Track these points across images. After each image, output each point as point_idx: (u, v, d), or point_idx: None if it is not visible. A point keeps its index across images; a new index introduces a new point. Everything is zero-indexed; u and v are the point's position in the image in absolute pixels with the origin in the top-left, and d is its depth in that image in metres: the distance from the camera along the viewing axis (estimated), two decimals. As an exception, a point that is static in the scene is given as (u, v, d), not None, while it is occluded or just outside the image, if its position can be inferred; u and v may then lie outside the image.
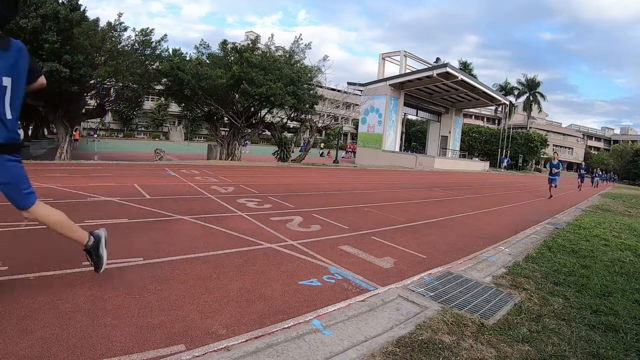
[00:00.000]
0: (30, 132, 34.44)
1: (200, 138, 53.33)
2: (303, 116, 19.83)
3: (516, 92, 52.38)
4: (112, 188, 6.53)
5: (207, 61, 17.23)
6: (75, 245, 2.56)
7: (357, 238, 4.46)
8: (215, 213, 5.15)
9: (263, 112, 18.95)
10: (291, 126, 23.01)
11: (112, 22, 14.03)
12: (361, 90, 28.80)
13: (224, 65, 16.79)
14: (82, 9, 13.90)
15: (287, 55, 17.81)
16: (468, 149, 48.05)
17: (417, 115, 34.97)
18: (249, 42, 17.78)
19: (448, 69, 24.41)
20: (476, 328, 2.40)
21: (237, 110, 18.01)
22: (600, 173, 25.19)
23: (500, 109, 50.23)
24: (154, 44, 15.02)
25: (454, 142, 35.79)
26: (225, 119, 19.58)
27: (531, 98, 52.01)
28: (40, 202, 2.36)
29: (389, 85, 27.47)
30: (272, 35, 17.99)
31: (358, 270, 3.32)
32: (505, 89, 50.98)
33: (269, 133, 21.47)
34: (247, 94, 15.67)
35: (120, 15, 14.07)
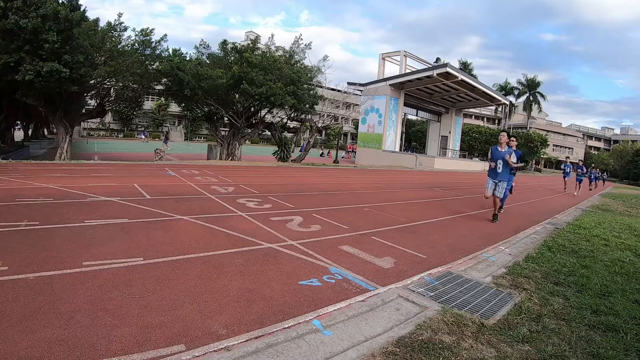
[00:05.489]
0: (30, 132, 34.49)
1: (200, 138, 53.32)
2: (303, 116, 19.83)
3: (516, 92, 52.36)
4: (112, 188, 6.53)
5: (207, 61, 17.24)
6: (75, 245, 2.55)
7: (357, 238, 4.46)
8: (215, 213, 5.15)
9: (263, 112, 18.95)
10: (291, 126, 23.02)
11: (112, 22, 14.05)
12: (361, 90, 28.80)
13: (224, 65, 16.80)
14: (82, 9, 13.92)
15: (287, 56, 17.81)
16: (468, 149, 47.99)
17: (417, 115, 34.96)
18: (249, 42, 17.80)
19: (448, 69, 24.40)
20: (476, 328, 2.40)
21: (237, 110, 18.02)
22: (568, 169, 15.70)
23: (500, 109, 50.27)
24: (154, 44, 15.03)
25: (454, 142, 35.77)
26: (225, 119, 19.60)
27: (531, 98, 51.99)
28: None
29: (389, 85, 27.46)
30: (272, 35, 18.02)
31: (358, 270, 3.32)
32: (506, 89, 50.95)
33: (269, 133, 21.48)
34: (247, 94, 15.68)
35: (120, 15, 14.09)
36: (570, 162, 16.56)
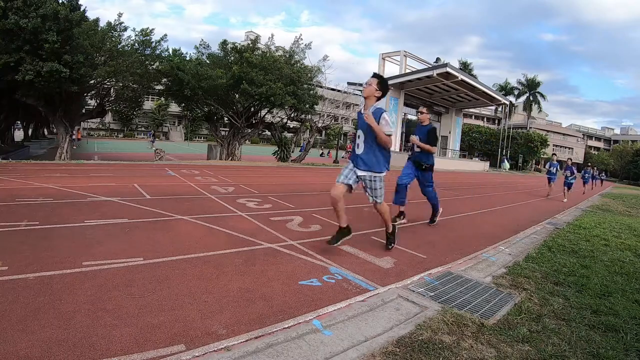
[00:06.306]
0: (30, 132, 34.49)
1: (200, 138, 53.33)
2: (303, 116, 19.83)
3: (516, 92, 52.44)
4: (112, 188, 6.53)
5: (207, 61, 17.23)
6: (75, 245, 2.55)
7: (357, 238, 4.46)
8: (215, 213, 5.15)
9: (263, 112, 18.95)
10: (291, 126, 23.01)
11: (112, 22, 14.05)
12: (361, 90, 28.79)
13: (224, 65, 16.80)
14: (82, 9, 13.93)
15: (287, 55, 17.81)
16: (468, 149, 48.04)
17: (417, 115, 34.97)
18: (249, 42, 17.79)
19: (448, 69, 24.40)
20: (476, 328, 2.40)
21: (237, 110, 18.02)
22: (555, 170, 13.66)
23: (500, 109, 50.23)
24: (153, 44, 15.03)
25: (454, 142, 35.74)
26: (225, 119, 19.59)
27: (531, 98, 52.05)
28: None
29: (389, 85, 27.46)
30: (272, 35, 18.01)
31: (358, 270, 3.32)
32: (506, 89, 50.98)
33: (269, 133, 21.48)
34: (247, 94, 15.68)
35: (120, 15, 14.10)
36: (557, 161, 13.85)
